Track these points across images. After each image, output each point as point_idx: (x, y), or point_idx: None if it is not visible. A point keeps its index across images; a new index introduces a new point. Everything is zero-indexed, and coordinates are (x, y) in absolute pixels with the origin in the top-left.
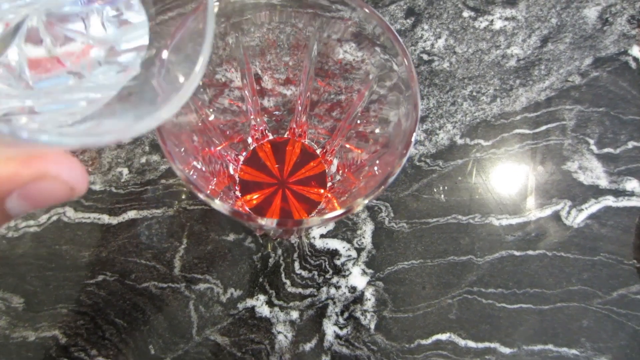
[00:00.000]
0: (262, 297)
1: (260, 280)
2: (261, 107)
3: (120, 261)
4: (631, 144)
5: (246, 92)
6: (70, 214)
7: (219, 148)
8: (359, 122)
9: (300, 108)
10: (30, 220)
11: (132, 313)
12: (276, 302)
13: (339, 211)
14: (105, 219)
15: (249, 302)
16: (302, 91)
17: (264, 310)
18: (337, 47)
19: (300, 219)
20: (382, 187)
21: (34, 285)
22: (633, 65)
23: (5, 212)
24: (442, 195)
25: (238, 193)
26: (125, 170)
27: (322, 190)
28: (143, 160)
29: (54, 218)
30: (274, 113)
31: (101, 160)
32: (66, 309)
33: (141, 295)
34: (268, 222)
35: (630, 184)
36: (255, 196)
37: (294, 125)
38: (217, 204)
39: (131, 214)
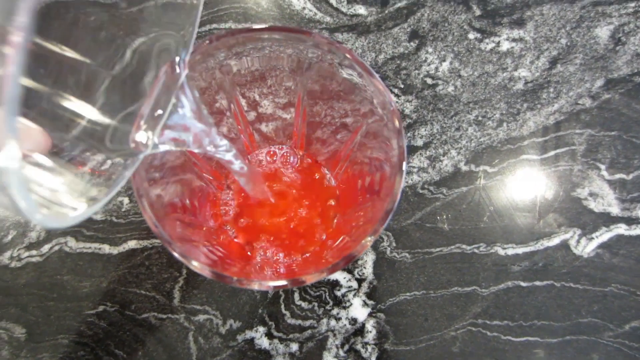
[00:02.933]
0: (261, 329)
1: (260, 311)
2: (260, 136)
3: (120, 291)
4: None
5: (238, 124)
6: (72, 243)
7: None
8: (360, 147)
9: (298, 131)
10: (32, 250)
11: (132, 344)
12: (276, 333)
13: (339, 261)
14: (106, 248)
15: (248, 334)
16: (298, 116)
17: (264, 342)
18: (339, 69)
19: (302, 278)
20: (383, 224)
21: (35, 316)
22: None
23: None
24: (446, 224)
25: (241, 220)
26: (126, 200)
27: (323, 219)
28: None
29: (56, 248)
30: (274, 139)
31: None
32: (67, 340)
33: (141, 326)
34: (263, 286)
35: None
36: (255, 224)
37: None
38: (196, 266)
39: (131, 244)
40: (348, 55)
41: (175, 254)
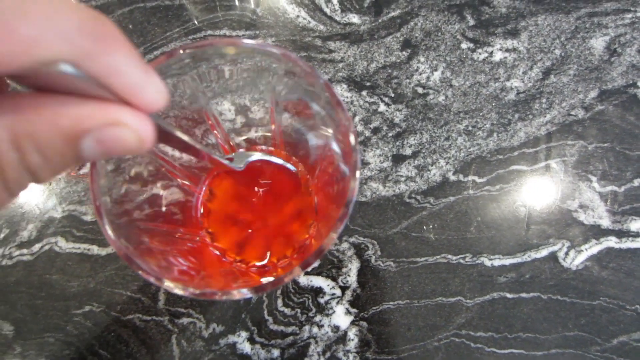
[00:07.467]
0: (243, 334)
1: (243, 316)
2: (248, 142)
3: (107, 292)
4: (637, 182)
5: (216, 132)
6: (62, 243)
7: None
8: (327, 157)
9: (276, 137)
10: (24, 248)
11: (116, 345)
12: (258, 339)
13: (310, 256)
14: (95, 249)
15: (231, 339)
16: (273, 123)
17: (245, 347)
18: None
19: (279, 278)
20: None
21: (24, 314)
22: None
23: (79, 154)
24: (432, 234)
25: (207, 238)
26: None
27: (304, 227)
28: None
29: (46, 247)
30: (260, 146)
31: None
32: (53, 338)
33: (125, 327)
34: (242, 294)
35: (635, 224)
36: (234, 233)
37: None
38: (169, 286)
39: None
40: (296, 62)
41: (145, 276)
